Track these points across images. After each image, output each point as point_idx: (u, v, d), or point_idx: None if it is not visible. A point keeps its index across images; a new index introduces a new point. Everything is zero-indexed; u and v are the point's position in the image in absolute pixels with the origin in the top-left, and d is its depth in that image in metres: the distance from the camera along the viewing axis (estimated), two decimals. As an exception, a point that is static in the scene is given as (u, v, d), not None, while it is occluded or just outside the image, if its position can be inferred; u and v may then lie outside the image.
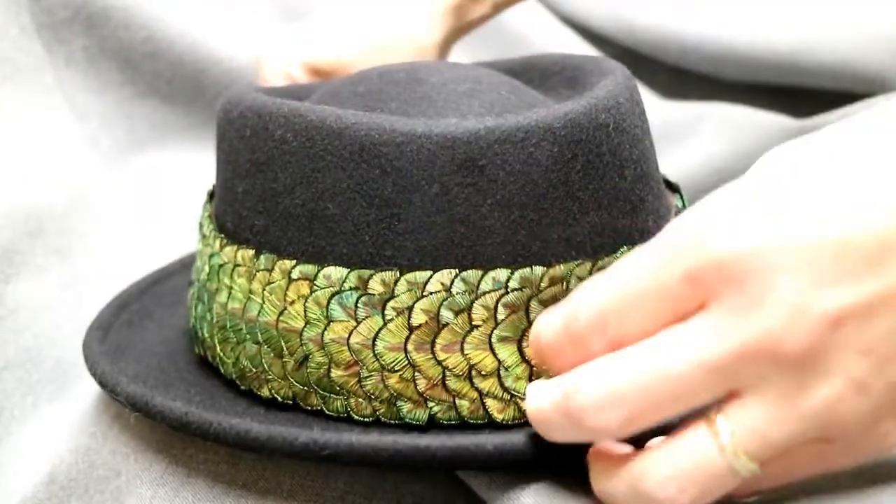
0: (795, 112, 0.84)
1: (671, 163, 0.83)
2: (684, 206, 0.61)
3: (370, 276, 0.53)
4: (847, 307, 0.42)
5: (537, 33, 0.92)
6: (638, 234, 0.56)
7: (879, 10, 0.86)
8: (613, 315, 0.45)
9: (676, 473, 0.44)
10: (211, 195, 0.64)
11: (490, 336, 0.53)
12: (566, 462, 0.50)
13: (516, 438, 0.50)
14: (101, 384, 0.58)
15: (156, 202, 0.83)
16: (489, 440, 0.50)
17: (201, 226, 0.62)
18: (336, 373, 0.54)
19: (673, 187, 0.63)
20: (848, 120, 0.46)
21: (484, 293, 0.52)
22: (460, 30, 0.76)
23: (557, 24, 0.93)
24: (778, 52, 0.86)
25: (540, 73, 0.64)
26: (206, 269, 0.60)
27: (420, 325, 0.53)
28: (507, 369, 0.53)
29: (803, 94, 0.87)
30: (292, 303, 0.55)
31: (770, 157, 0.46)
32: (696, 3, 0.90)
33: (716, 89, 0.89)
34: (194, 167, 0.84)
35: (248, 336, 0.56)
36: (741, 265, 0.43)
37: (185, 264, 0.73)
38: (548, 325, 0.47)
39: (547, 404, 0.46)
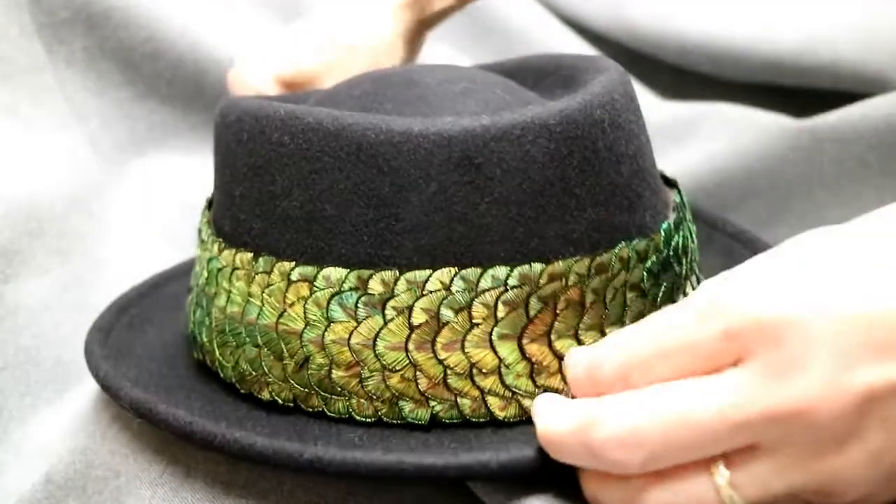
0: (795, 112, 0.84)
1: (671, 163, 0.83)
2: (682, 202, 0.60)
3: (370, 277, 0.53)
4: (880, 384, 0.43)
5: (537, 33, 0.92)
6: (635, 229, 0.56)
7: (879, 10, 0.86)
8: (637, 368, 0.47)
9: (672, 501, 0.46)
10: (209, 203, 0.64)
11: (490, 334, 0.53)
12: (570, 474, 0.50)
13: (521, 455, 0.50)
14: (104, 388, 0.58)
15: (155, 203, 0.83)
16: (494, 458, 0.50)
17: (200, 232, 0.62)
18: (337, 374, 0.54)
19: (671, 183, 0.63)
20: (880, 210, 0.48)
21: (483, 291, 0.52)
22: (423, 23, 0.76)
23: (557, 23, 0.93)
24: (778, 52, 0.86)
25: (535, 74, 0.64)
26: (205, 273, 0.59)
27: (420, 325, 0.53)
28: (507, 367, 0.53)
29: (803, 94, 0.87)
30: (292, 305, 0.54)
31: (803, 237, 0.47)
32: (696, 3, 0.90)
33: (716, 89, 0.89)
34: (194, 168, 0.84)
35: (247, 339, 0.56)
36: (782, 328, 0.44)
37: (185, 269, 0.73)
38: (573, 362, 0.50)
39: (564, 429, 0.47)
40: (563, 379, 0.54)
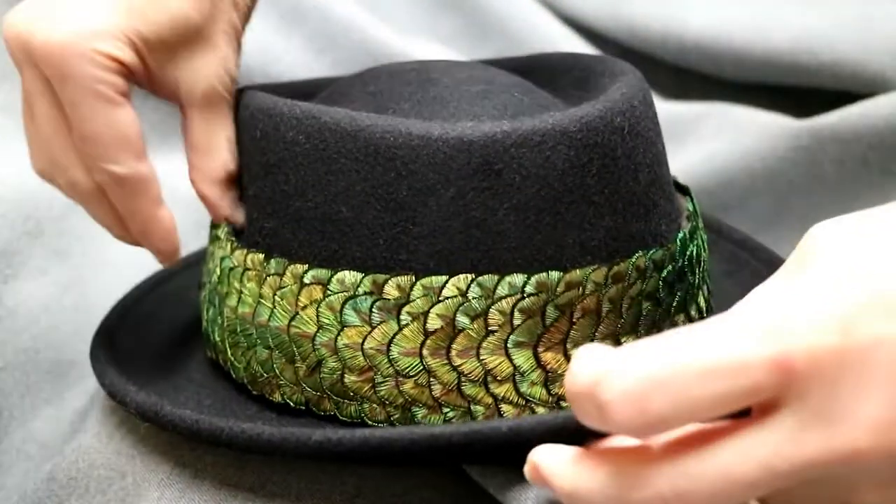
0: (795, 112, 0.84)
1: (671, 162, 0.82)
2: (695, 210, 0.60)
3: (385, 281, 0.53)
4: None
5: (537, 33, 0.91)
6: (651, 237, 0.56)
7: (879, 9, 0.86)
8: (662, 387, 0.39)
9: None
10: None
11: (506, 341, 0.53)
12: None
13: (532, 421, 0.49)
14: (111, 394, 0.58)
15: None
16: (504, 423, 0.49)
17: (213, 227, 0.62)
18: (350, 378, 0.54)
19: (683, 190, 0.63)
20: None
21: (500, 298, 0.52)
22: None
23: (557, 23, 0.92)
24: (778, 52, 0.86)
25: (548, 73, 0.64)
26: (217, 271, 0.59)
27: (436, 331, 0.52)
28: (522, 375, 0.53)
29: (803, 93, 0.87)
30: (304, 308, 0.54)
31: (828, 241, 0.42)
32: (696, 3, 0.90)
33: (716, 89, 0.89)
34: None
35: (258, 341, 0.56)
36: (839, 363, 0.39)
37: (188, 263, 0.73)
38: (576, 371, 0.41)
39: (596, 487, 0.42)
40: None
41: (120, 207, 0.60)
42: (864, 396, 0.39)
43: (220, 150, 0.60)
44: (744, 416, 0.41)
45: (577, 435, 0.48)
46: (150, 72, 0.59)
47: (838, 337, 0.39)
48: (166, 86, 0.60)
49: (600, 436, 0.45)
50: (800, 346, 0.39)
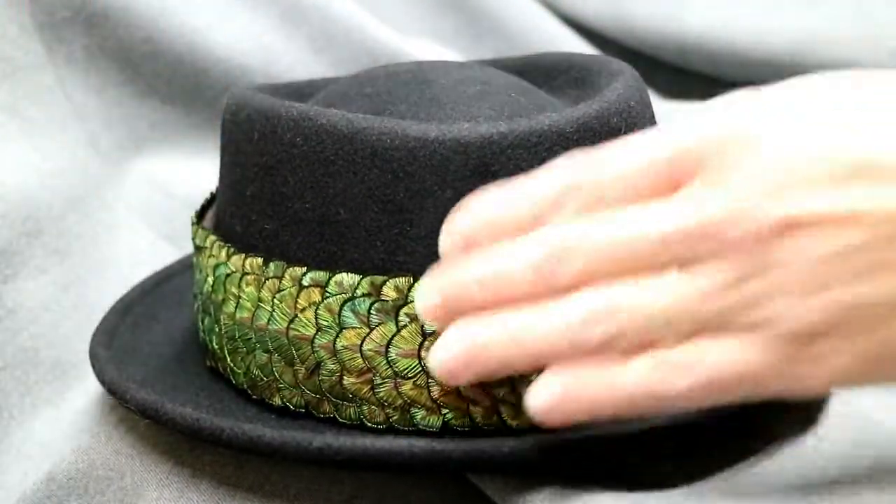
0: (795, 112, 0.84)
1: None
2: None
3: (383, 283, 0.53)
4: (796, 216, 0.43)
5: (537, 33, 0.92)
6: None
7: (879, 9, 0.86)
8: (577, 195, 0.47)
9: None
10: (200, 213, 0.63)
11: None
12: (583, 466, 0.50)
13: (533, 441, 0.50)
14: (111, 391, 0.58)
15: (156, 202, 0.83)
16: (505, 443, 0.50)
17: (195, 237, 0.62)
18: (348, 380, 0.54)
19: None
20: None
21: None
22: None
23: (557, 23, 0.93)
24: (778, 52, 0.86)
25: (545, 73, 0.64)
26: (210, 280, 0.59)
27: (434, 332, 0.52)
28: (520, 375, 0.53)
29: (803, 93, 0.87)
30: (303, 310, 0.54)
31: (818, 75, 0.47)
32: (696, 3, 0.90)
33: (716, 89, 0.89)
34: (195, 167, 0.84)
35: (257, 345, 0.56)
36: (711, 149, 0.44)
37: (187, 264, 0.73)
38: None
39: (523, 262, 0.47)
40: None
41: None
42: (737, 176, 0.44)
43: None
44: None
45: (579, 454, 0.49)
46: None
47: (731, 124, 0.45)
48: None
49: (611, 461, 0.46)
50: (685, 142, 0.45)
